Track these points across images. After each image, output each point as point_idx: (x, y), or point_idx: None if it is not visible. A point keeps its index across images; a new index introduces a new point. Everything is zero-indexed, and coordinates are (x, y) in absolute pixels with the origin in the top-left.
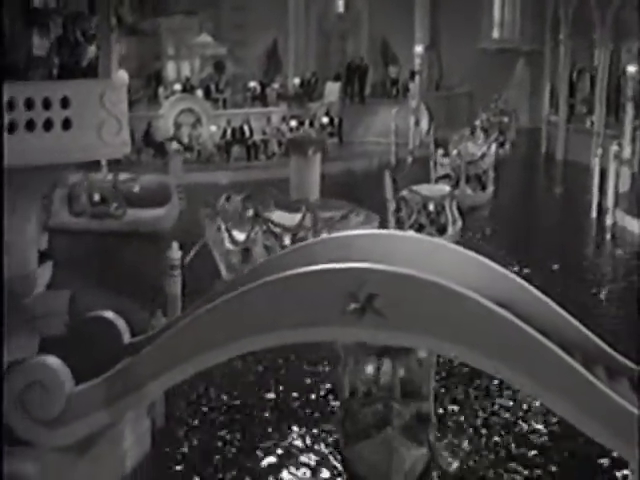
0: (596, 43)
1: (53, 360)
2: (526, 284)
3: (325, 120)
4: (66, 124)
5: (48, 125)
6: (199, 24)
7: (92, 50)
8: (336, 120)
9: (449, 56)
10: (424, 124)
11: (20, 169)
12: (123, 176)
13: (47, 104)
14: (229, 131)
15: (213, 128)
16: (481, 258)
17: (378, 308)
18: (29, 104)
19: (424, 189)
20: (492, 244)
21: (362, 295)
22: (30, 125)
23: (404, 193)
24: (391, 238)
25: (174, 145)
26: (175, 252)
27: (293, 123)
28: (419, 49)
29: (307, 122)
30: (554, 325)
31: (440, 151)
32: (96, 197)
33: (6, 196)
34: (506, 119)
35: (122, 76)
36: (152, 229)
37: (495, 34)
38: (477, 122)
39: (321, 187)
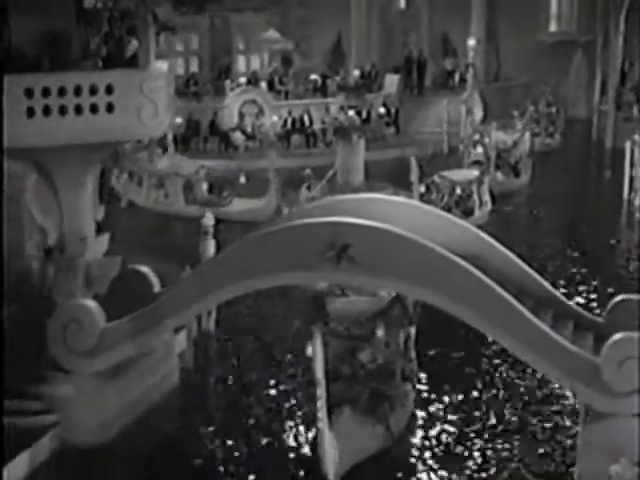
0: None
1: (89, 302)
2: (497, 244)
3: (382, 110)
4: (109, 108)
5: (94, 109)
6: (267, 20)
7: (134, 44)
8: (393, 110)
9: (507, 49)
10: (477, 114)
11: (71, 147)
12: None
13: (93, 90)
14: (289, 121)
15: (275, 118)
16: (456, 219)
17: (352, 255)
18: (77, 91)
19: (453, 174)
20: (542, 223)
21: (338, 244)
22: (78, 109)
23: (435, 178)
24: (376, 201)
25: (238, 134)
26: (209, 219)
27: (350, 113)
28: (471, 42)
29: (364, 112)
30: (520, 280)
31: (476, 137)
32: (204, 186)
33: (60, 170)
34: (554, 110)
35: (160, 67)
36: (251, 219)
37: (552, 26)
38: (515, 112)
39: (374, 171)
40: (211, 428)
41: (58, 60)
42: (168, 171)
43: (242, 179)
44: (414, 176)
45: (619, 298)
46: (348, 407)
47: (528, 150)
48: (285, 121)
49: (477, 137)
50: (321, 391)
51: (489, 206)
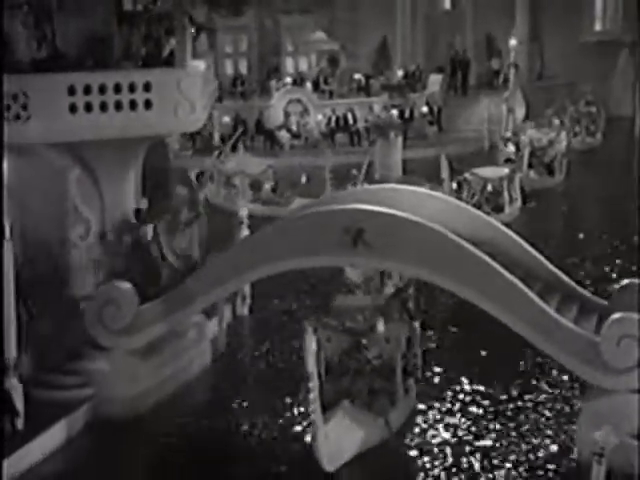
0: None
1: (124, 284)
2: (508, 231)
3: (425, 109)
4: (148, 104)
5: (133, 105)
6: (314, 22)
7: (172, 44)
8: (435, 109)
9: (551, 49)
10: (519, 113)
11: (111, 141)
12: None
13: (132, 88)
14: (333, 119)
15: (319, 117)
16: (469, 207)
17: (366, 240)
18: (117, 88)
19: (485, 171)
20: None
21: (353, 229)
22: (118, 105)
23: (466, 175)
24: (397, 190)
25: (283, 132)
26: (243, 212)
27: (394, 112)
28: (513, 42)
29: (407, 111)
30: (528, 265)
31: (507, 135)
32: (266, 186)
33: (101, 164)
34: (594, 109)
35: (197, 66)
36: None
37: (597, 26)
38: (549, 111)
39: (414, 168)
40: (240, 406)
41: (100, 60)
42: (236, 170)
43: (303, 179)
44: (445, 173)
45: (625, 282)
46: (348, 401)
47: (564, 149)
48: (329, 120)
49: (509, 135)
50: (313, 384)
51: (519, 203)
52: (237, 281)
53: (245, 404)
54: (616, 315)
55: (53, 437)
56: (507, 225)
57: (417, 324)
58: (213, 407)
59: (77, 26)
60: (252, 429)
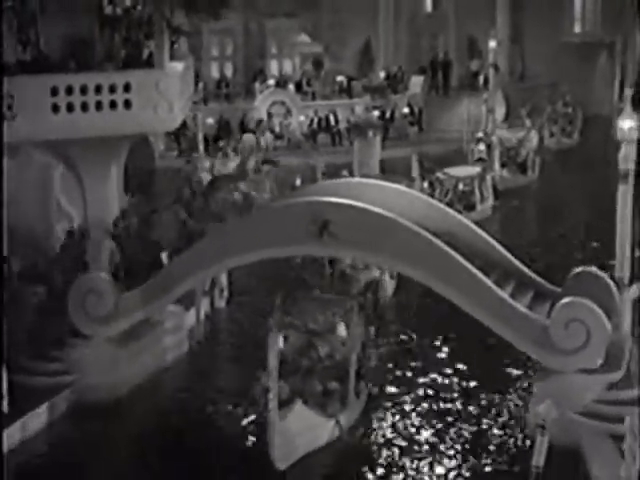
0: None
1: (104, 274)
2: (469, 223)
3: (406, 110)
4: (127, 104)
5: (113, 105)
6: (299, 25)
7: (151, 46)
8: (417, 110)
9: (532, 50)
10: (499, 113)
11: (92, 139)
12: None
13: (113, 89)
14: (316, 120)
15: (302, 118)
16: (434, 202)
17: (332, 230)
18: (98, 89)
19: (456, 171)
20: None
21: (319, 221)
22: (99, 106)
23: (438, 174)
24: (363, 184)
25: (266, 134)
26: None
27: (375, 113)
28: (492, 44)
29: (388, 112)
30: (487, 253)
31: (479, 135)
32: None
33: (83, 161)
34: (570, 110)
35: (175, 67)
36: None
37: (577, 28)
38: (523, 111)
39: (394, 167)
40: (215, 391)
41: (82, 62)
42: None
43: (298, 181)
44: (415, 172)
45: (577, 270)
46: (301, 401)
47: (535, 148)
48: (311, 121)
49: (480, 135)
50: (273, 383)
51: (491, 201)
52: (211, 270)
53: (219, 392)
54: (565, 300)
55: (37, 419)
56: (477, 223)
57: (372, 329)
58: (188, 394)
59: (60, 29)
60: (224, 416)
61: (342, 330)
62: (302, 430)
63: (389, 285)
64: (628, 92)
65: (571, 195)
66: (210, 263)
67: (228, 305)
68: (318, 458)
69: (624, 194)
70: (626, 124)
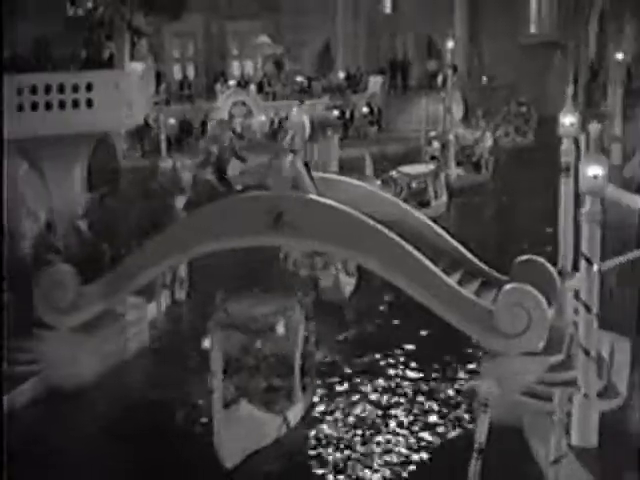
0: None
1: (67, 266)
2: (420, 215)
3: (365, 110)
4: (89, 103)
5: (76, 104)
6: (261, 27)
7: (112, 47)
8: (376, 110)
9: (491, 50)
10: (457, 113)
11: (55, 137)
12: None
13: (75, 88)
14: (276, 120)
15: (262, 118)
16: (385, 194)
17: (287, 221)
18: (61, 88)
19: (410, 169)
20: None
21: (274, 212)
22: (62, 104)
23: (393, 173)
24: (321, 179)
25: (227, 133)
26: None
27: (335, 113)
28: (450, 44)
29: (348, 111)
30: (436, 243)
31: (432, 134)
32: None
33: (47, 160)
34: (525, 110)
35: (135, 67)
36: None
37: (532, 29)
38: (479, 111)
39: (354, 165)
40: (174, 384)
41: (46, 62)
42: None
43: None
44: (369, 170)
45: (521, 258)
46: (246, 399)
47: (490, 147)
48: (272, 121)
49: (434, 134)
50: (217, 383)
51: (444, 199)
52: (170, 261)
53: (179, 382)
54: (508, 286)
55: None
56: (432, 219)
57: (313, 325)
58: (148, 385)
59: (24, 30)
60: (180, 410)
61: (281, 327)
62: (248, 428)
63: (346, 285)
64: (569, 90)
65: (522, 191)
66: (170, 253)
67: (189, 297)
68: (266, 455)
69: (565, 186)
70: (567, 120)
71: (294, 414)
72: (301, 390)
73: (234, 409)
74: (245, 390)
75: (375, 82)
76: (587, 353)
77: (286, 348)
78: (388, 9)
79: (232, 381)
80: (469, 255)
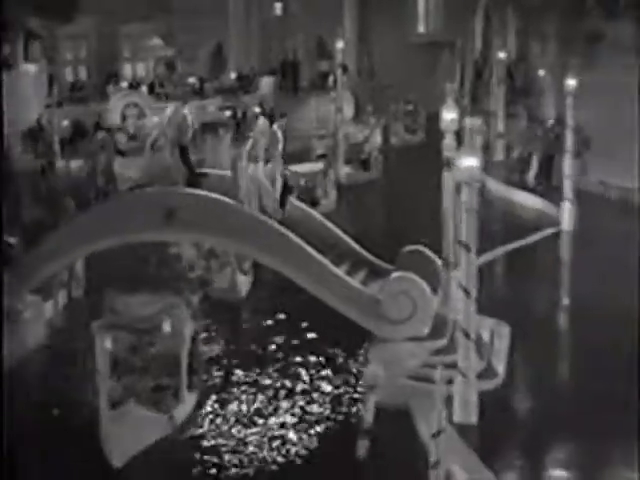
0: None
1: None
2: (311, 210)
3: (257, 110)
4: None
5: None
6: (153, 29)
7: (5, 49)
8: (268, 110)
9: (380, 49)
10: (348, 112)
11: None
12: None
13: None
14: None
15: (155, 119)
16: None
17: (179, 217)
18: None
19: (299, 167)
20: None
21: (167, 208)
22: None
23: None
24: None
25: (120, 135)
26: None
27: (227, 113)
28: (340, 45)
29: (240, 112)
30: (323, 237)
31: (321, 132)
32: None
33: None
34: (412, 108)
35: (28, 69)
36: None
37: (421, 28)
38: (369, 109)
39: None
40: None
41: None
42: None
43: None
44: None
45: (406, 249)
46: (133, 399)
47: (379, 145)
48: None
49: (322, 132)
50: (104, 383)
51: (334, 196)
52: (66, 257)
53: (75, 381)
54: (394, 275)
55: None
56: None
57: (200, 323)
58: (45, 382)
59: None
60: (70, 409)
61: (167, 326)
62: (135, 428)
63: (242, 284)
64: (449, 87)
65: (409, 187)
66: (66, 250)
67: (86, 295)
68: (154, 453)
69: (447, 180)
70: (449, 116)
71: (181, 412)
72: (188, 388)
73: (121, 409)
74: (133, 390)
75: (266, 83)
76: (467, 336)
77: (173, 347)
78: (279, 10)
79: (121, 381)
80: (357, 247)
